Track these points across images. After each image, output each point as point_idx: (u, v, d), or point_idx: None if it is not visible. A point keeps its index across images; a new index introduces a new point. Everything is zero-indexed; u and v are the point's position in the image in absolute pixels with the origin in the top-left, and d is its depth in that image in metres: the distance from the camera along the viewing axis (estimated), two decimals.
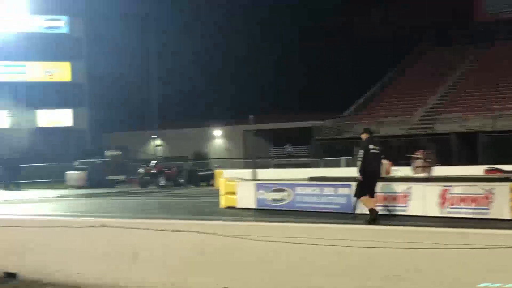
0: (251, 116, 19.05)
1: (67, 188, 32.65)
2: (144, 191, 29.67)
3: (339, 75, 49.93)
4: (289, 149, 47.56)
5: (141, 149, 52.74)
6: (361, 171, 12.79)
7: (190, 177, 33.01)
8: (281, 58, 55.14)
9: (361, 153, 12.88)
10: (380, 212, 13.09)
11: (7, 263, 8.82)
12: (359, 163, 12.85)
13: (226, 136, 54.54)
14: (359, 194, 13.00)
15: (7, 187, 32.24)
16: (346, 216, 13.39)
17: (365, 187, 12.88)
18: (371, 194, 12.92)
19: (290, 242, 6.53)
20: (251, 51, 54.96)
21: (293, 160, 40.28)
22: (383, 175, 14.10)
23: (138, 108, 56.19)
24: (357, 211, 13.13)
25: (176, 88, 56.25)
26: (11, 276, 8.73)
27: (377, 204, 13.27)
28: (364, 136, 13.21)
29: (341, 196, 14.80)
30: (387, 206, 13.97)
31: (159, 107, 54.43)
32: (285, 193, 16.05)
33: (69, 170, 34.71)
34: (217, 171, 30.65)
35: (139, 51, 54.42)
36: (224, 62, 56.84)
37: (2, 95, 47.32)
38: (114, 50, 52.29)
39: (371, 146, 12.94)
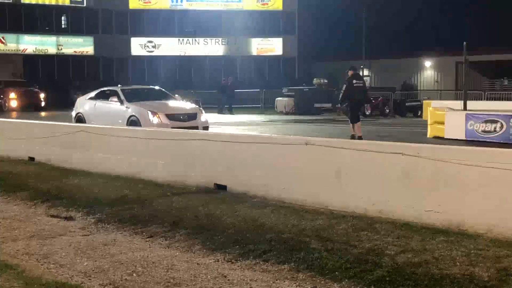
0: (465, 43, 17.98)
1: (276, 114, 33.72)
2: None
3: None
4: (505, 82, 44.72)
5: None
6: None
7: (397, 107, 32.44)
8: None
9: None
10: None
11: (218, 176, 9.35)
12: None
13: (436, 67, 52.52)
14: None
15: (220, 111, 34.07)
16: None
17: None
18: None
19: (504, 169, 6.13)
20: None
21: (509, 93, 37.70)
22: None
23: (346, 37, 55.80)
24: None
25: (385, 16, 54.83)
26: (221, 188, 9.26)
27: None
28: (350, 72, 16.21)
29: None
30: None
31: (368, 36, 53.59)
32: (497, 124, 15.19)
33: (278, 97, 35.71)
34: (425, 101, 29.76)
35: None
36: None
37: (219, 24, 49.43)
38: None
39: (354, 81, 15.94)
